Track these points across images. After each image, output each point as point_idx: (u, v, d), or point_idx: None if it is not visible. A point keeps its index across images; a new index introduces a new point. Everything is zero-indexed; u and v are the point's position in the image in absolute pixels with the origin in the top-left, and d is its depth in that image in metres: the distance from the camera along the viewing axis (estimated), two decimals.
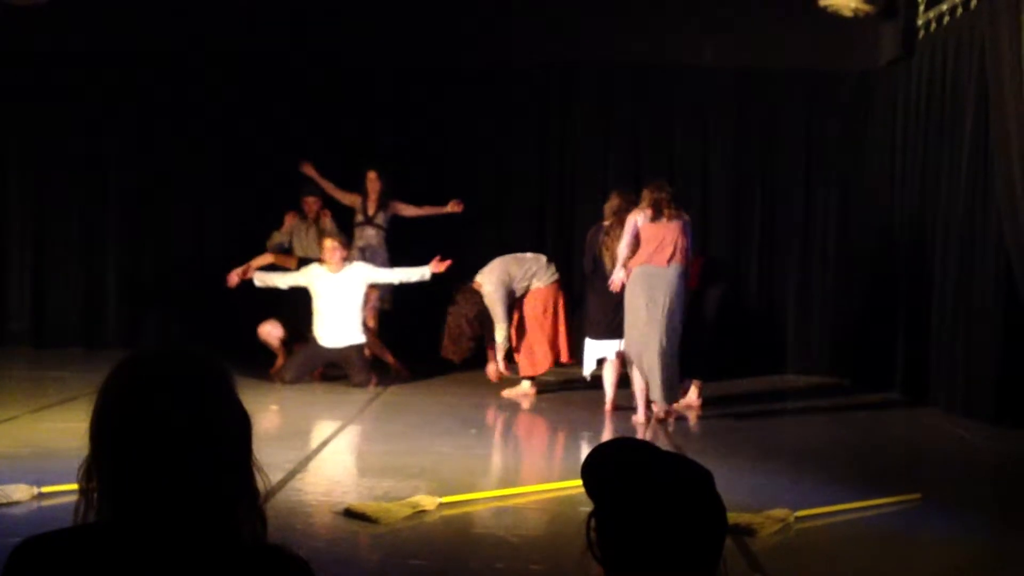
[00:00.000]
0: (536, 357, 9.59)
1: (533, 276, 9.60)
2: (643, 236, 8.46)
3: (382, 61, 11.38)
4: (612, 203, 9.02)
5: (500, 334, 9.53)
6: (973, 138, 8.79)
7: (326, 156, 11.01)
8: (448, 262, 9.71)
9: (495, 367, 9.74)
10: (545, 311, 9.56)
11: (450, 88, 11.51)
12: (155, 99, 11.45)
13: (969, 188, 8.86)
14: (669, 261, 8.35)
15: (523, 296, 9.66)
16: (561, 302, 9.69)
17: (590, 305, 9.11)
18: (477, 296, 9.56)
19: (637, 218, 8.47)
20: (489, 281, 9.51)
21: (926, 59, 9.93)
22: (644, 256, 8.40)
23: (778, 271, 11.58)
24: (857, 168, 11.29)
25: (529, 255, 9.76)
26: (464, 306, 9.53)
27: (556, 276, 9.69)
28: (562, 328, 9.66)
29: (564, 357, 9.71)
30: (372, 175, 10.69)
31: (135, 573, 1.64)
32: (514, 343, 9.71)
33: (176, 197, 11.68)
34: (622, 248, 8.48)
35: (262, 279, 9.99)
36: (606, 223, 8.99)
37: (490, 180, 11.60)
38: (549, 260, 9.79)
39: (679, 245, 8.40)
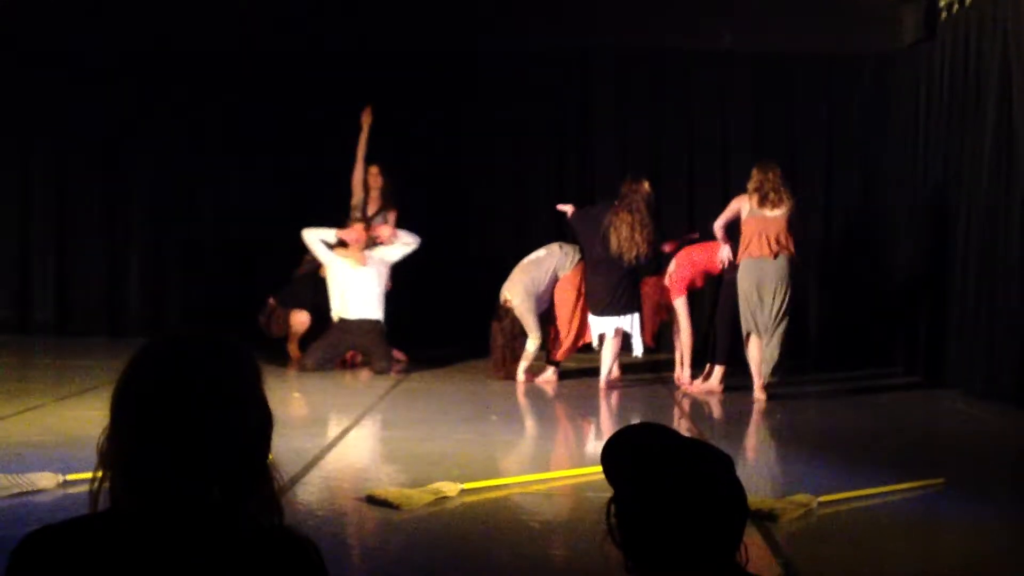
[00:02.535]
0: (562, 342, 9.58)
1: (556, 270, 9.57)
2: (746, 229, 8.81)
3: (394, 45, 11.35)
4: (622, 190, 9.36)
5: (532, 344, 9.49)
6: (996, 120, 8.72)
7: (340, 141, 10.99)
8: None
9: (522, 369, 9.58)
10: (578, 296, 9.55)
11: (465, 72, 11.49)
12: (176, 89, 11.48)
13: (992, 171, 8.80)
14: (776, 254, 8.69)
15: (553, 285, 9.63)
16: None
17: (592, 282, 9.33)
18: (513, 313, 9.52)
19: (743, 205, 8.85)
20: (516, 294, 9.47)
21: (948, 41, 9.85)
22: (754, 250, 8.74)
23: (801, 255, 11.51)
24: (878, 151, 11.23)
25: (543, 252, 9.66)
26: (514, 324, 9.48)
27: (579, 257, 9.63)
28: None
29: (588, 337, 9.68)
30: (374, 170, 10.34)
31: (142, 560, 1.63)
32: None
33: (199, 186, 11.72)
34: (717, 226, 8.97)
35: (311, 237, 10.00)
36: (616, 203, 9.30)
37: (506, 165, 11.59)
38: (563, 245, 9.72)
39: (783, 239, 8.71)
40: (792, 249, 8.74)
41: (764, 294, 8.67)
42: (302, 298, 10.32)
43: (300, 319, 10.27)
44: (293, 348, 10.24)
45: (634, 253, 9.16)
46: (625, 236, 9.13)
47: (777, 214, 8.72)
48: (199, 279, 11.72)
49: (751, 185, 8.81)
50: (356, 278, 9.88)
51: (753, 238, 8.72)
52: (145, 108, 11.55)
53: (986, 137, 8.88)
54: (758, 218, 8.73)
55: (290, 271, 10.52)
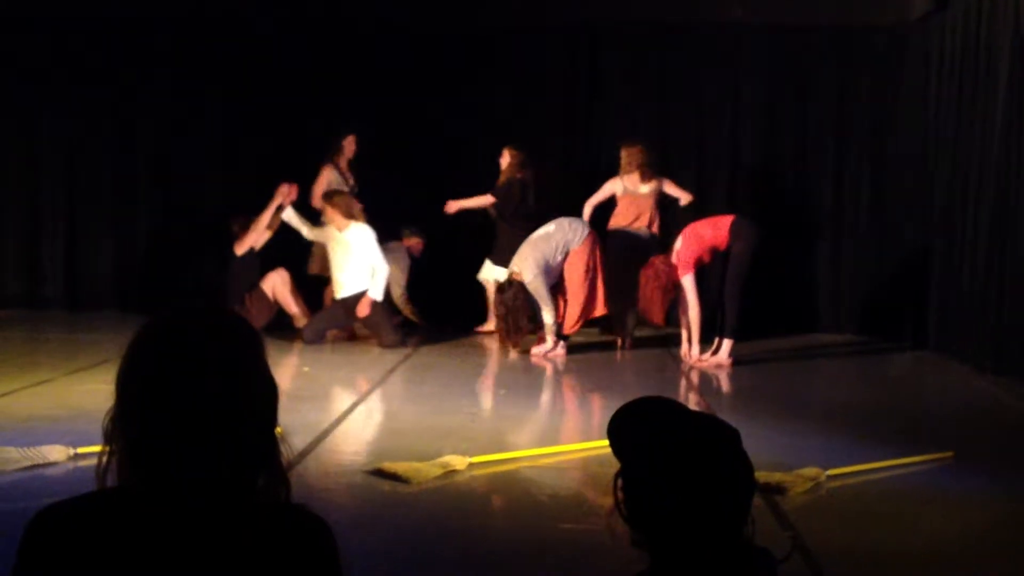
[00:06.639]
0: (569, 316, 9.57)
1: (567, 244, 9.55)
2: (621, 205, 10.07)
3: (396, 22, 11.30)
4: (504, 159, 10.50)
5: (548, 317, 9.48)
6: (1007, 93, 8.67)
7: (341, 119, 10.96)
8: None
9: (544, 349, 9.55)
10: (587, 270, 9.54)
11: (474, 50, 11.44)
12: (186, 63, 11.47)
13: (1003, 144, 8.76)
14: (648, 227, 10.02)
15: (564, 260, 9.61)
16: (599, 256, 9.64)
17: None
18: (521, 285, 9.52)
19: (616, 185, 10.08)
20: (527, 268, 9.46)
21: (960, 13, 9.79)
22: (623, 222, 10.02)
23: (810, 228, 11.50)
24: (890, 124, 11.18)
25: (552, 227, 9.62)
26: (516, 297, 9.49)
27: (588, 231, 9.64)
28: (599, 282, 9.62)
29: (600, 310, 9.67)
30: (351, 139, 10.60)
31: (153, 537, 1.63)
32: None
33: (207, 158, 11.71)
34: (589, 205, 10.16)
35: (290, 216, 10.13)
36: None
37: (515, 141, 11.52)
38: (572, 220, 9.69)
39: (652, 215, 10.01)
40: (657, 224, 10.02)
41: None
42: (249, 277, 10.21)
43: (272, 284, 10.17)
44: (297, 314, 10.22)
45: None
46: None
47: (649, 190, 9.98)
48: (208, 252, 11.71)
49: (632, 163, 9.95)
50: (342, 255, 9.88)
51: (625, 214, 9.97)
52: (153, 82, 11.53)
53: (997, 110, 8.83)
54: (633, 194, 9.98)
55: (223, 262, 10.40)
